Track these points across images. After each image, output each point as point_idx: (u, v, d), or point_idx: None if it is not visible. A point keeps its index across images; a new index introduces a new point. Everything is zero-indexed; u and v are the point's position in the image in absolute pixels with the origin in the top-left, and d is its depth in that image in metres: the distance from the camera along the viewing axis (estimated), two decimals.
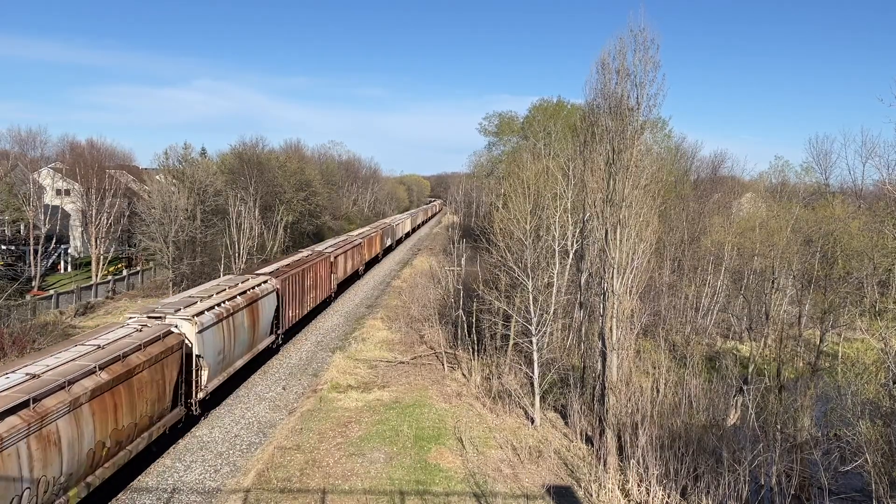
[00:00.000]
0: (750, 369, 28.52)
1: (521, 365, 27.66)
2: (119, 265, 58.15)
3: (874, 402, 20.87)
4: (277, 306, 31.53)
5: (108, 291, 47.77)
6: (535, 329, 25.23)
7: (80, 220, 58.38)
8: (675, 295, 38.28)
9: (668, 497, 18.63)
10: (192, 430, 22.52)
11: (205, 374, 22.69)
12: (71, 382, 15.30)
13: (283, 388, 27.71)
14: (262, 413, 24.74)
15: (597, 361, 24.37)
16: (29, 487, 13.45)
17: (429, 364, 31.33)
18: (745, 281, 39.21)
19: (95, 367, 16.31)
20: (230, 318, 25.14)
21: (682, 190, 55.10)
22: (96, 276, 50.90)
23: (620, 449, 21.59)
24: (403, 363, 31.27)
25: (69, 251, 60.59)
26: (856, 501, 20.40)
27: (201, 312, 23.06)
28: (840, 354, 34.41)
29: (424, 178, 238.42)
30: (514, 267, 25.75)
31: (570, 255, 30.22)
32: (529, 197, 26.83)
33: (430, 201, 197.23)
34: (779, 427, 20.80)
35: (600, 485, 19.45)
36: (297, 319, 36.09)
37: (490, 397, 26.63)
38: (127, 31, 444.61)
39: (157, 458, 20.07)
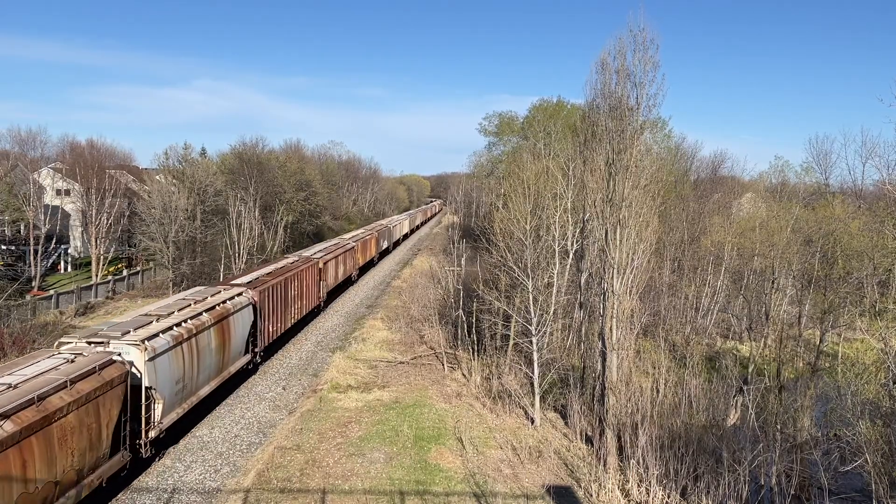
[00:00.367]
0: (750, 369, 28.53)
1: (521, 365, 27.68)
2: (119, 265, 58.17)
3: (874, 403, 20.92)
4: (255, 321, 28.52)
5: (109, 291, 47.82)
6: (535, 329, 25.24)
7: (80, 220, 58.42)
8: (675, 295, 38.31)
9: (668, 497, 18.65)
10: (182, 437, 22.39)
11: (158, 408, 19.59)
12: None
13: (283, 388, 27.74)
14: (262, 413, 24.75)
15: (597, 361, 24.39)
16: None
17: (429, 364, 31.34)
18: (745, 281, 39.23)
19: None
20: (192, 339, 22.06)
21: (681, 190, 55.09)
22: (96, 276, 50.95)
23: (620, 449, 21.61)
24: (403, 363, 31.28)
25: (69, 251, 60.63)
26: (856, 501, 20.42)
27: (154, 336, 19.81)
28: (840, 354, 34.41)
29: (424, 178, 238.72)
30: (514, 267, 25.76)
31: (570, 255, 30.23)
32: (529, 197, 26.83)
33: (430, 201, 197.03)
34: (779, 427, 20.80)
35: (600, 485, 19.48)
36: (279, 335, 32.97)
37: (490, 397, 26.65)
38: (127, 31, 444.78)
39: None
